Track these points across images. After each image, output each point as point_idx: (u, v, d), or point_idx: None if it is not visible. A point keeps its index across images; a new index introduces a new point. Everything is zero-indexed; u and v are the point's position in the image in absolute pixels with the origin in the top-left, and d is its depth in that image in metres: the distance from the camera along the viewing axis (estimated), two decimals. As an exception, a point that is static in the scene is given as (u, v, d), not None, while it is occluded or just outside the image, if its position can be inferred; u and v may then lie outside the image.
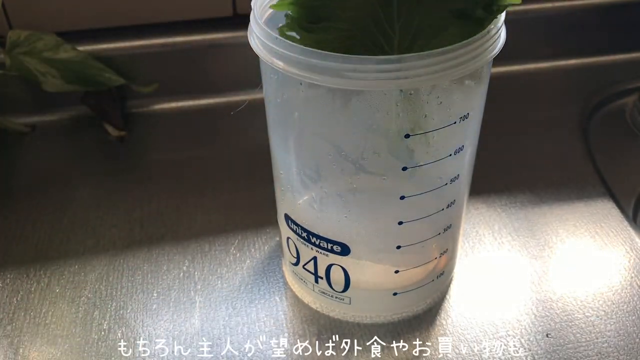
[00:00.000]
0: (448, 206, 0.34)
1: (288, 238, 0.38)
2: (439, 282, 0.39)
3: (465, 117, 0.31)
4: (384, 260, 0.36)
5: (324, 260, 0.36)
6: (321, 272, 0.37)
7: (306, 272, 0.38)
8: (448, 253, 0.38)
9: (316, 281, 0.38)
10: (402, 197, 0.32)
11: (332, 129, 0.30)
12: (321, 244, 0.35)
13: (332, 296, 0.38)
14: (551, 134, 0.54)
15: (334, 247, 0.35)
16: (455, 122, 0.31)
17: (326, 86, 0.28)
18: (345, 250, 0.35)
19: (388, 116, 0.29)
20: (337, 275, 0.37)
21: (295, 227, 0.36)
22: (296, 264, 0.38)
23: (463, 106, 0.31)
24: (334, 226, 0.34)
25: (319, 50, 0.28)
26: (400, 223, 0.33)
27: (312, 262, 0.37)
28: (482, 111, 0.33)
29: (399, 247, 0.35)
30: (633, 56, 0.62)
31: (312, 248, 0.36)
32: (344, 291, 0.37)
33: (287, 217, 0.36)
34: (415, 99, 0.29)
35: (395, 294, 0.37)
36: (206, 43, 0.56)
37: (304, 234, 0.36)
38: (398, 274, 0.36)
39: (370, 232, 0.34)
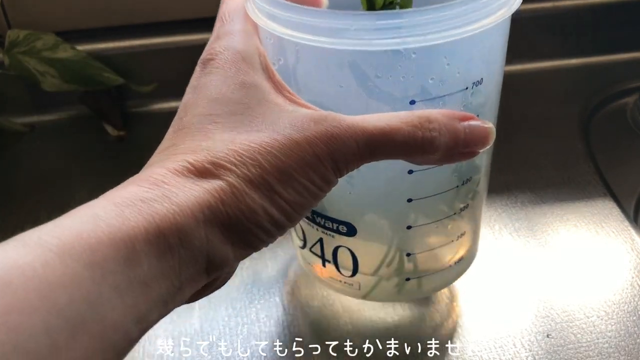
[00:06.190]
0: (464, 183, 0.31)
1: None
2: (457, 268, 0.37)
3: (479, 82, 0.28)
4: (393, 242, 0.33)
5: (330, 242, 0.34)
6: (328, 254, 0.35)
7: (313, 255, 0.36)
8: (466, 236, 0.35)
9: (324, 264, 0.36)
10: (410, 172, 0.29)
11: (331, 95, 0.27)
12: (326, 224, 0.33)
13: (341, 281, 0.36)
14: (552, 134, 0.54)
15: (340, 228, 0.33)
16: (467, 88, 0.27)
17: (322, 47, 0.25)
18: (351, 231, 0.33)
19: (390, 80, 0.26)
20: (344, 259, 0.34)
21: None
22: (303, 246, 0.37)
23: (476, 69, 0.27)
24: (338, 204, 0.32)
25: (313, 8, 0.25)
26: (409, 200, 0.31)
27: (319, 244, 0.35)
28: (500, 76, 0.30)
29: (409, 227, 0.32)
30: (633, 56, 0.62)
31: (317, 229, 0.34)
32: (352, 276, 0.35)
33: None
34: (419, 60, 0.26)
35: (408, 279, 0.35)
36: (206, 43, 0.55)
37: (309, 214, 0.34)
38: (410, 257, 0.34)
39: (377, 210, 0.32)
